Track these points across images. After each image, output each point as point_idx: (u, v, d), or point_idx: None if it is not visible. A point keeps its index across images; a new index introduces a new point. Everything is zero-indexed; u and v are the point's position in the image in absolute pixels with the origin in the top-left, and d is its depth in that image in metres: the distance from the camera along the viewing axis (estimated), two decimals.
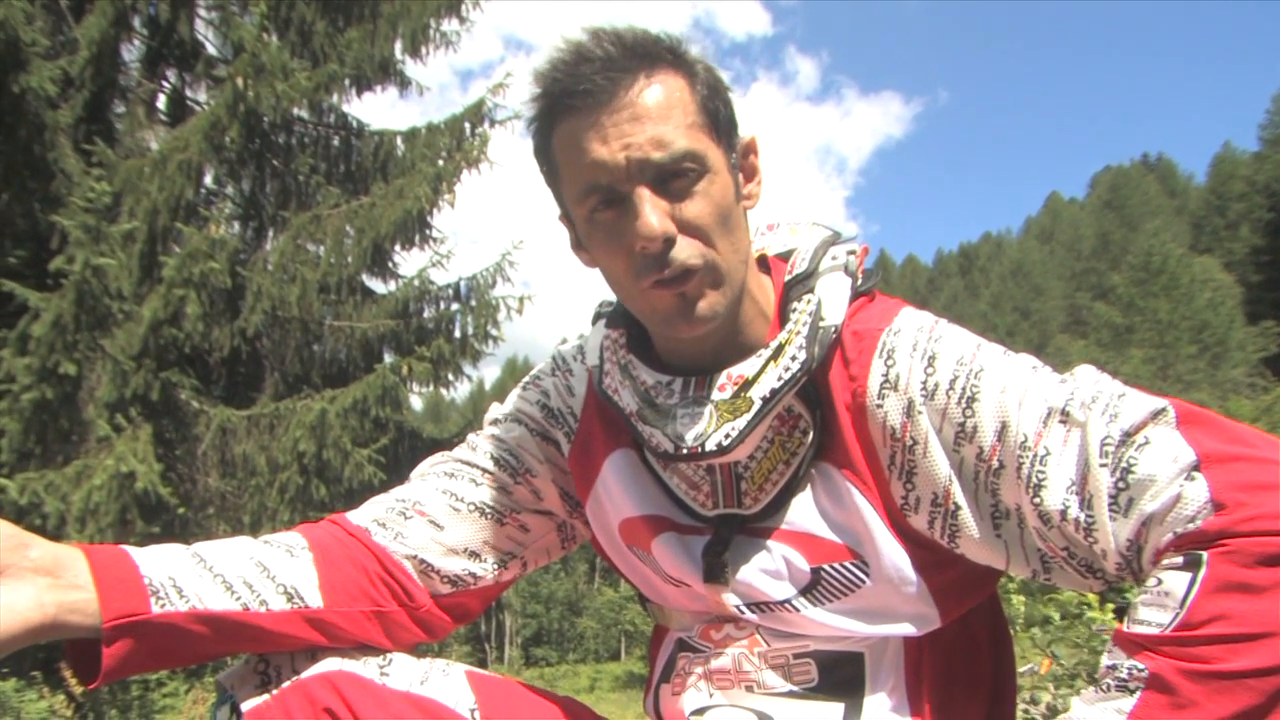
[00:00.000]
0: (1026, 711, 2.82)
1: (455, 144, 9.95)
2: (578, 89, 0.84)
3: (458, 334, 9.74)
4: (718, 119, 0.89)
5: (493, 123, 9.93)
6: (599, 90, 0.83)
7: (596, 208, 0.87)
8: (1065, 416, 0.79)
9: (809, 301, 0.92)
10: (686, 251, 0.85)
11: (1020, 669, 3.78)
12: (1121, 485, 0.73)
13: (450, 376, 9.46)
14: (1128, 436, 0.75)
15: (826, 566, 0.92)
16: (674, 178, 0.85)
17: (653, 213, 0.84)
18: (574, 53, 0.85)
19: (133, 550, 0.90)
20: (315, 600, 0.95)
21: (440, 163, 9.63)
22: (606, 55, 0.84)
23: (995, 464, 0.82)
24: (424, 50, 10.11)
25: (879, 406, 0.88)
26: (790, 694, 0.95)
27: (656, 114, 0.84)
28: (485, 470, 1.07)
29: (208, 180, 8.79)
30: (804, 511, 0.93)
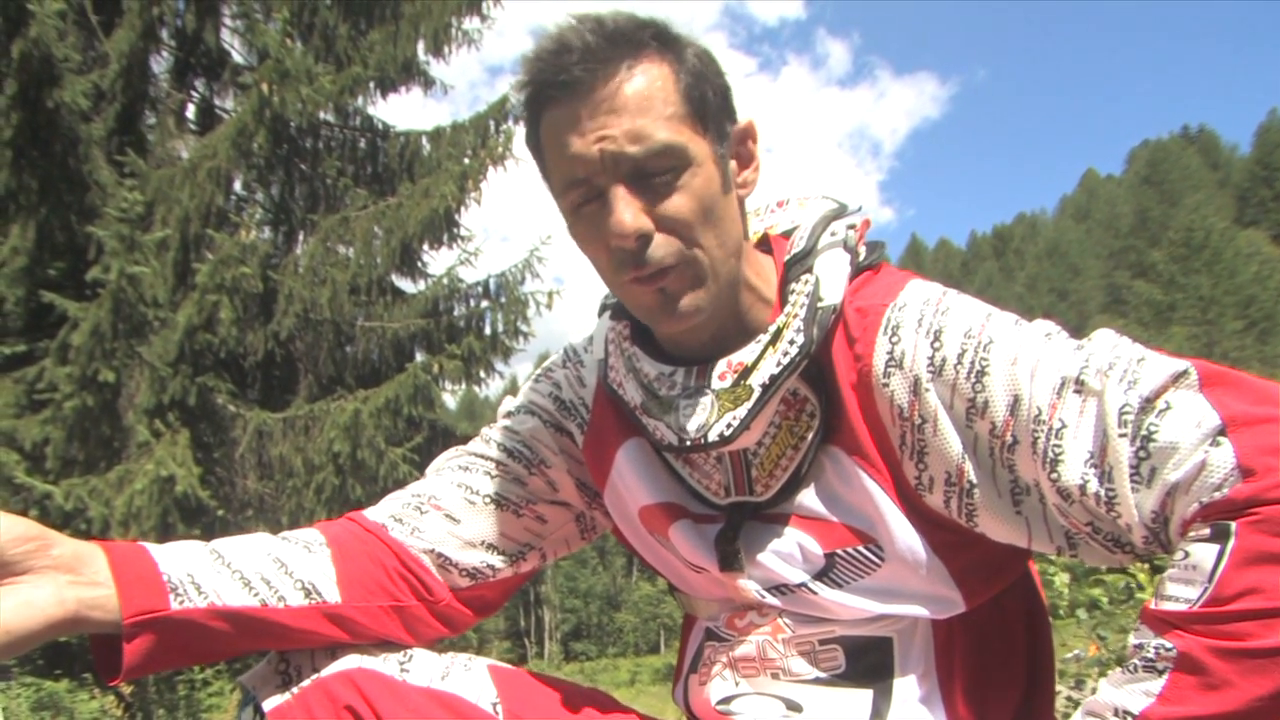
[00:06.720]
0: (1070, 698, 2.76)
1: (480, 142, 9.98)
2: (558, 80, 0.83)
3: (488, 331, 9.78)
4: (704, 107, 0.86)
5: (517, 119, 9.94)
6: (576, 82, 0.82)
7: (577, 201, 0.86)
8: (1080, 385, 0.75)
9: (806, 282, 0.90)
10: (663, 250, 0.84)
11: (1065, 655, 3.70)
12: (1143, 454, 0.70)
13: (482, 374, 9.52)
14: (1148, 403, 0.71)
15: (840, 551, 0.90)
16: (653, 172, 0.83)
17: (626, 209, 0.82)
18: (556, 42, 0.83)
19: (152, 547, 0.91)
20: (334, 596, 0.95)
21: (466, 161, 9.66)
22: (586, 45, 0.82)
23: (1009, 439, 0.79)
24: (446, 49, 10.14)
25: (885, 385, 0.85)
26: (817, 681, 0.92)
27: (634, 106, 0.82)
28: (499, 463, 1.06)
29: (237, 186, 8.92)
30: (814, 497, 0.91)
